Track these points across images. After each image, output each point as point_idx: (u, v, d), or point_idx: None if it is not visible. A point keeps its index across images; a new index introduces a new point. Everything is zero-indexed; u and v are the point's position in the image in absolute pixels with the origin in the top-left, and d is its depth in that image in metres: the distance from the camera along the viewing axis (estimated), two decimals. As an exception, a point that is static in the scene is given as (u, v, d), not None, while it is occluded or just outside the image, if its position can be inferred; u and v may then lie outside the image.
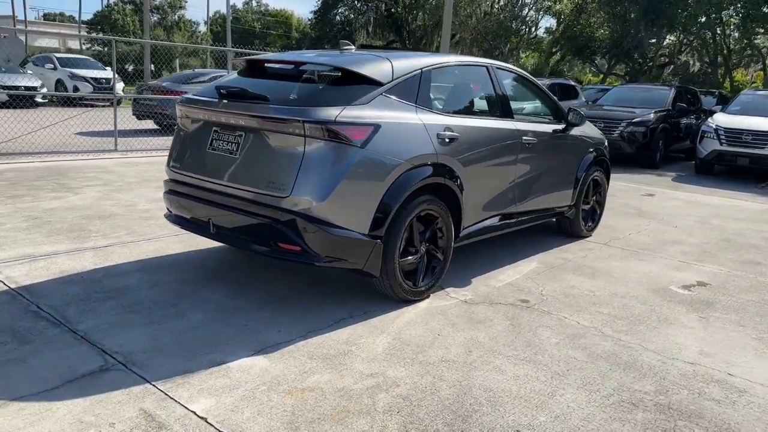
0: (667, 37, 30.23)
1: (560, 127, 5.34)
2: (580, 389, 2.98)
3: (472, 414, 2.70)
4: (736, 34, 27.62)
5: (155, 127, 12.41)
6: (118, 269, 4.30)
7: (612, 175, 10.47)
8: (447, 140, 4.01)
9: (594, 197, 6.09)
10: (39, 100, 16.46)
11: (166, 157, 4.27)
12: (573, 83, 16.48)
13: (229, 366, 2.99)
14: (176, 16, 53.25)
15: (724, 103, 14.45)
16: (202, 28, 57.89)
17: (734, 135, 10.64)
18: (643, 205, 8.06)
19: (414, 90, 3.96)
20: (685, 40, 30.11)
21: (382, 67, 3.85)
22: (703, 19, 26.11)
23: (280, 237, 3.47)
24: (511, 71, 5.08)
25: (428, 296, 4.09)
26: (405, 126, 3.78)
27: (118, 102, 17.58)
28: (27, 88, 16.74)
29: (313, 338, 3.36)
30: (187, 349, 3.16)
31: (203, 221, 3.88)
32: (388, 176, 3.60)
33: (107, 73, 20.18)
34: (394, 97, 3.80)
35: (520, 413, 2.73)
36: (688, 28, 27.13)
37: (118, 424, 2.46)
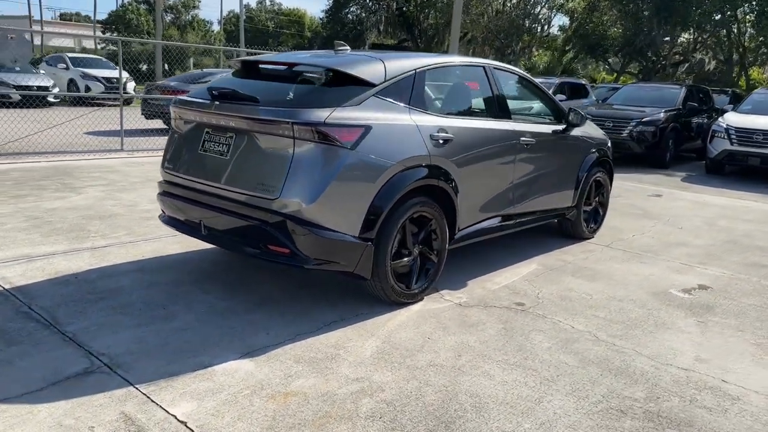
0: (682, 34, 29.87)
1: (560, 127, 5.27)
2: (569, 395, 2.93)
3: (456, 420, 2.67)
4: (752, 31, 27.21)
5: (164, 126, 12.47)
6: (114, 270, 4.31)
7: (620, 175, 10.43)
8: (441, 141, 3.97)
9: (596, 198, 6.01)
10: (51, 99, 16.60)
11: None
12: (583, 82, 16.35)
13: (214, 369, 2.98)
14: (190, 16, 53.52)
15: (737, 102, 14.22)
16: (216, 28, 58.16)
17: (745, 135, 10.47)
18: (650, 205, 7.96)
19: (407, 91, 3.92)
20: (699, 38, 29.73)
21: (374, 68, 3.82)
22: (718, 17, 25.76)
23: (270, 239, 3.45)
24: (509, 71, 5.02)
25: (422, 299, 4.06)
26: (397, 127, 3.75)
27: (130, 102, 17.81)
28: (39, 88, 16.88)
29: (302, 341, 3.34)
30: (174, 351, 3.15)
31: (195, 223, 3.87)
32: (379, 178, 3.57)
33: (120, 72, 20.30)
34: (386, 99, 3.77)
35: (505, 420, 2.69)
36: (702, 26, 26.78)
37: (98, 428, 2.46)
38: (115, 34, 41.97)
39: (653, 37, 26.56)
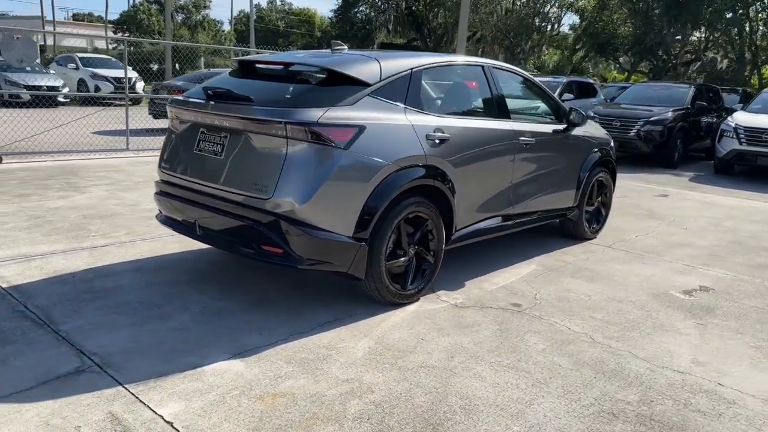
0: (693, 33, 29.60)
1: (561, 127, 5.23)
2: (560, 398, 2.90)
3: (444, 422, 2.65)
4: (764, 29, 26.92)
5: (170, 126, 12.49)
6: (111, 269, 4.33)
7: (627, 175, 10.36)
8: (437, 141, 3.95)
9: (599, 198, 5.96)
10: (61, 99, 16.73)
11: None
12: (591, 81, 16.24)
13: (204, 369, 2.98)
14: (200, 16, 53.75)
15: (748, 101, 14.06)
16: (227, 28, 58.39)
17: (754, 134, 10.35)
18: (655, 206, 7.89)
19: (403, 91, 3.90)
20: (710, 37, 29.44)
21: (369, 67, 3.80)
22: (729, 15, 25.49)
23: (263, 239, 3.45)
24: (509, 71, 4.98)
25: (418, 299, 4.04)
26: (392, 127, 3.73)
27: (139, 101, 17.90)
28: (49, 88, 17.05)
29: (294, 342, 3.33)
30: (166, 351, 3.15)
31: (191, 223, 3.88)
32: (373, 178, 3.56)
33: (129, 72, 20.43)
34: (381, 98, 3.75)
35: (494, 422, 2.67)
36: (714, 24, 26.52)
37: (84, 428, 2.46)
38: (126, 35, 42.27)
39: (663, 35, 26.32)
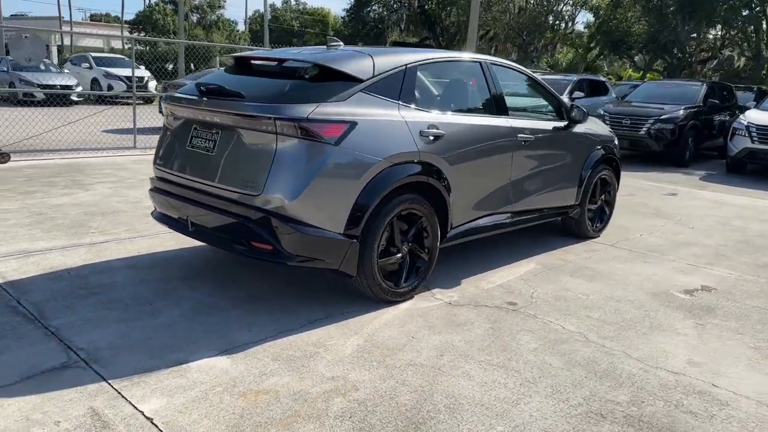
0: (710, 31, 29.20)
1: (561, 124, 5.16)
2: (548, 398, 2.85)
3: (428, 421, 2.61)
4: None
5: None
6: (107, 266, 4.34)
7: (637, 174, 10.24)
8: (431, 138, 3.91)
9: (602, 197, 5.88)
10: (74, 98, 16.90)
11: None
12: (603, 79, 16.05)
13: (189, 366, 2.97)
14: (215, 16, 54.03)
15: (762, 99, 13.83)
16: (241, 27, 58.64)
17: (767, 132, 10.17)
18: (663, 204, 7.77)
19: (397, 86, 3.87)
20: (726, 34, 29.02)
21: (362, 63, 3.77)
22: (746, 12, 25.11)
23: (253, 236, 3.44)
24: (508, 67, 4.92)
25: (412, 297, 4.00)
26: (384, 123, 3.70)
27: (152, 100, 18.02)
28: (63, 87, 17.23)
29: (283, 339, 3.31)
30: (154, 347, 3.15)
31: (183, 219, 3.87)
32: (364, 175, 3.52)
33: (141, 71, 20.65)
34: (374, 94, 3.72)
35: (478, 422, 2.63)
36: (729, 22, 26.13)
37: (63, 423, 2.46)
38: (142, 35, 42.61)
39: (677, 33, 25.98)
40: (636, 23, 30.48)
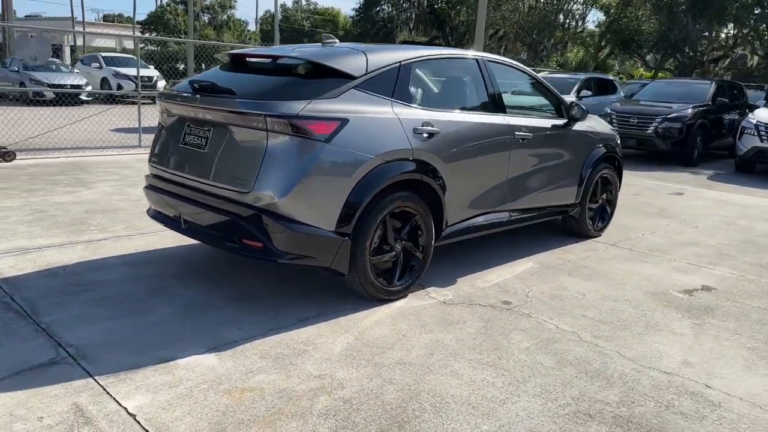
0: (722, 29, 28.90)
1: (561, 121, 5.11)
2: (537, 397, 2.82)
3: (412, 420, 2.59)
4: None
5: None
6: (103, 263, 4.35)
7: (644, 173, 10.14)
8: (425, 135, 3.88)
9: (603, 195, 5.82)
10: (84, 97, 17.03)
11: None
12: (611, 78, 15.96)
13: (176, 363, 2.96)
14: (226, 16, 54.25)
15: (773, 97, 13.68)
16: (252, 27, 58.84)
17: (777, 131, 10.05)
18: (668, 204, 7.69)
19: (390, 84, 3.84)
20: (739, 33, 28.72)
21: (355, 60, 3.76)
22: (758, 11, 24.83)
23: (243, 233, 3.43)
24: (506, 65, 4.88)
25: (406, 295, 3.98)
26: (377, 121, 3.67)
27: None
28: (73, 86, 17.36)
29: (272, 337, 3.30)
30: (142, 344, 3.14)
31: (176, 216, 3.88)
32: (355, 172, 3.50)
33: (150, 71, 20.75)
34: (367, 91, 3.70)
35: (464, 421, 2.60)
36: (741, 20, 25.85)
37: (46, 418, 2.46)
38: (153, 35, 42.85)
39: (688, 31, 25.74)
40: (646, 22, 30.23)
